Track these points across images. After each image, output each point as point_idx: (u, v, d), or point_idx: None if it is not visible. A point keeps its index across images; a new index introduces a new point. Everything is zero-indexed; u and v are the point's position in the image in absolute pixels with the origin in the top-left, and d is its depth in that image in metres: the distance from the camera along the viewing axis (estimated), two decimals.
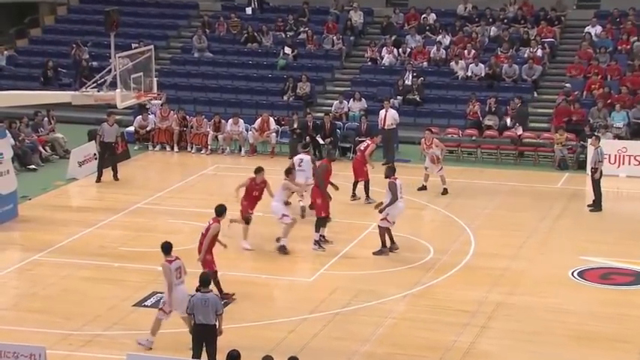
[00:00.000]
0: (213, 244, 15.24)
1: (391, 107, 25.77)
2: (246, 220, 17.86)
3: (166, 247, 13.71)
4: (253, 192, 17.89)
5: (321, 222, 18.23)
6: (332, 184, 19.06)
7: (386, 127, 25.05)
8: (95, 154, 23.69)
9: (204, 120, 26.50)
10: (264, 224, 18.61)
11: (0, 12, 34.87)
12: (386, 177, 17.80)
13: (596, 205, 21.05)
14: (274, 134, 26.16)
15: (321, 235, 18.30)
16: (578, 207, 21.57)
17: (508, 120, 26.25)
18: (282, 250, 17.80)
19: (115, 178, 23.03)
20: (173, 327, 14.19)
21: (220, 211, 15.51)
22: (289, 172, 18.43)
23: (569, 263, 17.61)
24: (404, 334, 14.57)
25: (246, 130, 26.24)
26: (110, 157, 23.23)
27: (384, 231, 17.65)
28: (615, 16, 30.36)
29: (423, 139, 22.50)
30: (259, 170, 17.97)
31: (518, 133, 25.91)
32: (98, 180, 22.81)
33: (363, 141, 22.35)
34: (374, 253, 17.69)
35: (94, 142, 23.92)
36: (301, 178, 19.29)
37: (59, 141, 26.00)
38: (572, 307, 15.70)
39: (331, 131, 25.74)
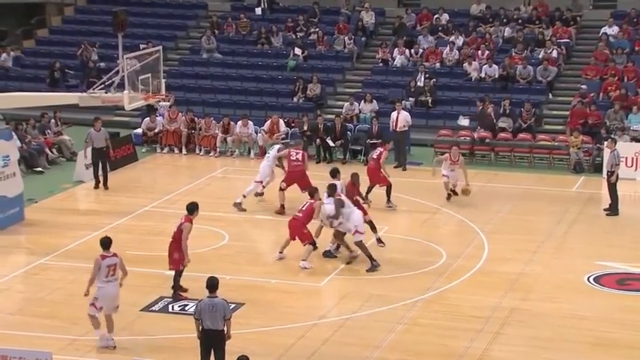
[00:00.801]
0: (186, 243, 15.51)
1: (403, 109, 25.73)
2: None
3: (104, 242, 14.09)
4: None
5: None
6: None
7: (398, 130, 25.02)
8: None
9: (213, 122, 26.54)
10: (275, 228, 18.61)
11: (7, 12, 34.97)
12: (329, 195, 17.43)
13: (613, 209, 20.97)
14: (283, 136, 26.15)
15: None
16: (595, 211, 21.49)
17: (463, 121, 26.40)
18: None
19: (105, 186, 22.63)
20: (177, 332, 14.21)
21: (192, 209, 15.70)
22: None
23: (584, 268, 17.55)
24: (416, 340, 14.54)
25: (256, 132, 26.25)
26: (102, 163, 22.73)
27: (363, 244, 17.31)
28: (632, 17, 30.26)
29: (448, 154, 21.60)
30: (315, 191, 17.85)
31: (476, 135, 25.95)
32: (96, 186, 22.63)
33: (375, 145, 22.24)
34: (367, 271, 17.30)
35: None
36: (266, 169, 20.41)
37: (66, 143, 26.07)
38: (588, 313, 15.65)
39: (342, 133, 25.75)
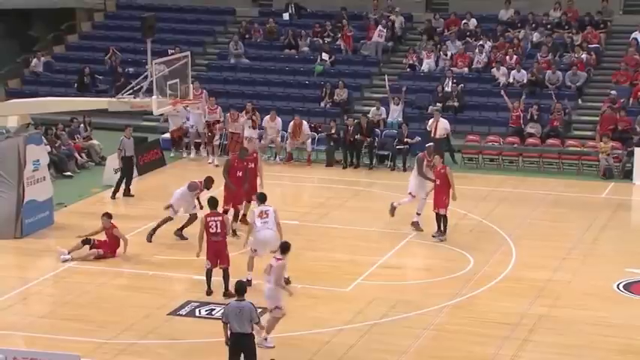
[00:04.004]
0: None
1: (442, 117, 25.45)
2: None
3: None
4: None
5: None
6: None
7: (437, 137, 24.64)
8: None
9: (240, 116, 26.19)
10: (300, 233, 18.64)
11: (37, 18, 35.41)
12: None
13: None
14: (309, 141, 26.14)
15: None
16: (625, 217, 21.35)
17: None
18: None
19: (128, 192, 22.56)
20: (204, 336, 14.27)
21: (215, 204, 16.43)
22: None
23: (614, 275, 17.41)
24: (443, 347, 14.49)
25: (283, 139, 26.18)
26: (130, 171, 22.72)
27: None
28: None
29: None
30: None
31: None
32: (113, 196, 22.40)
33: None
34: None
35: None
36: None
37: (95, 148, 26.27)
38: (617, 320, 15.51)
39: (369, 131, 25.68)
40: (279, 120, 26.22)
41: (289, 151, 26.20)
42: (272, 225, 16.16)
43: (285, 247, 14.42)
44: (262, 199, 16.63)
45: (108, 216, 18.12)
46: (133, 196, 22.66)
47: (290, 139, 26.14)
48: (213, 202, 16.43)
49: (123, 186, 22.66)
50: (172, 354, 13.95)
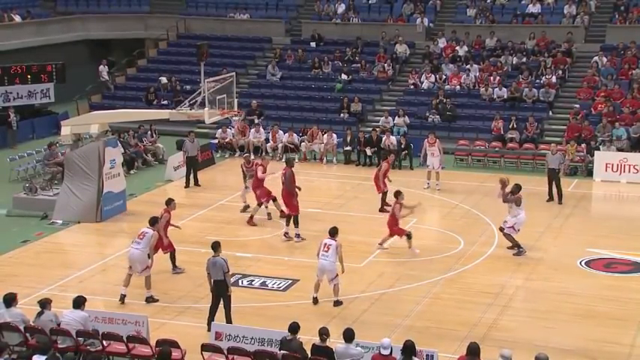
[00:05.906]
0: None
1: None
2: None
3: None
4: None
5: (295, 218, 18.01)
6: (297, 187, 18.36)
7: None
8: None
9: (278, 133, 26.39)
10: (321, 219, 18.60)
11: (116, 46, 35.77)
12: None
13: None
14: (335, 144, 26.00)
15: (288, 232, 18.07)
16: (586, 207, 21.18)
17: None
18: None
19: (196, 184, 22.84)
20: (244, 302, 14.28)
21: (168, 202, 16.47)
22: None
23: (577, 254, 17.31)
24: (438, 311, 14.46)
25: (300, 142, 26.14)
26: (194, 168, 23.01)
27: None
28: (619, 49, 29.71)
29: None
30: None
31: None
32: (186, 186, 22.79)
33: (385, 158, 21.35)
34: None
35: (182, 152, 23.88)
36: None
37: (159, 150, 26.37)
38: (580, 290, 15.43)
39: (377, 142, 25.62)
40: (295, 135, 26.05)
41: (304, 152, 26.05)
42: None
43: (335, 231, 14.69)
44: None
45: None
46: (200, 186, 22.75)
47: (307, 143, 26.06)
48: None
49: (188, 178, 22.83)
50: (219, 315, 14.00)
